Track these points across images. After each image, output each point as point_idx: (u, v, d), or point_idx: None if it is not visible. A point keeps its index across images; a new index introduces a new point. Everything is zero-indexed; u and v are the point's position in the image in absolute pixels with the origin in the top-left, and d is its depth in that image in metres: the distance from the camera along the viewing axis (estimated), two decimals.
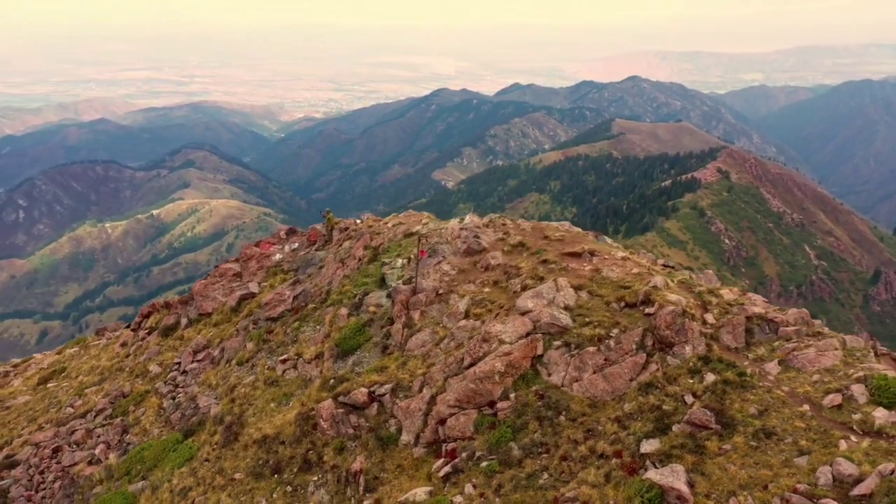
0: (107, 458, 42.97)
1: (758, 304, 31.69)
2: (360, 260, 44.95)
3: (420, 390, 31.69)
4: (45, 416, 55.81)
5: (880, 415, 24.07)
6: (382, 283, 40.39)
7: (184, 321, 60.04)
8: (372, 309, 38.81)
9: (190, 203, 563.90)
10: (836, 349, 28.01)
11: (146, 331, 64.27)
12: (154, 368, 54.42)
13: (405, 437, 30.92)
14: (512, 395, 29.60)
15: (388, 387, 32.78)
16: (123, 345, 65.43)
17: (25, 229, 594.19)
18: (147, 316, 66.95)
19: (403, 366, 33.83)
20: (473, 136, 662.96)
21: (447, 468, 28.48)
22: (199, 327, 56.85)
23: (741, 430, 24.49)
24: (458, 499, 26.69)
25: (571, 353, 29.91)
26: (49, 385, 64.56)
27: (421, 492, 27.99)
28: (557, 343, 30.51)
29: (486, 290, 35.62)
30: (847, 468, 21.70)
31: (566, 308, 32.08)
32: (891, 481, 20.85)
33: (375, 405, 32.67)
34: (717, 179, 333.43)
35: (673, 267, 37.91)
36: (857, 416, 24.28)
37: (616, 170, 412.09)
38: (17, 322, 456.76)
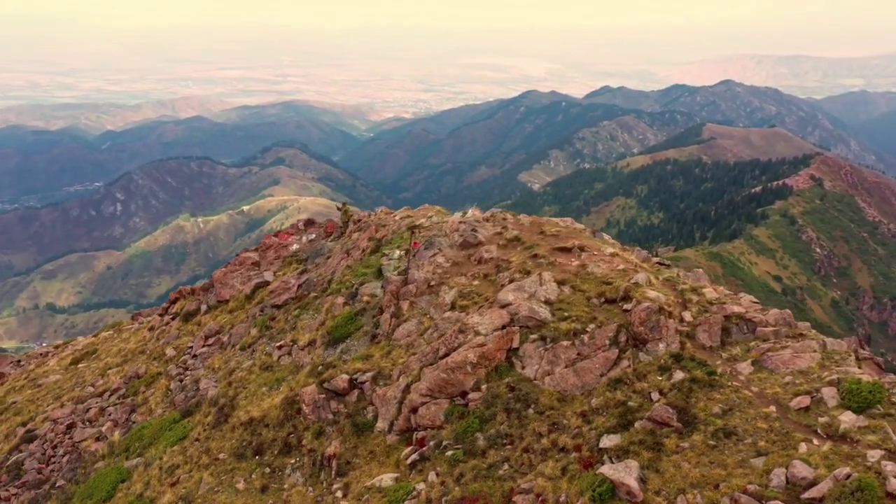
0: (112, 436, 44.55)
1: (741, 304, 31.19)
2: (363, 251, 45.61)
3: (398, 379, 32.14)
4: (69, 394, 58.12)
5: (847, 419, 23.53)
6: (380, 273, 40.92)
7: (203, 307, 61.68)
8: (366, 298, 39.40)
9: (279, 200, 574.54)
10: (815, 351, 27.42)
11: (171, 316, 66.28)
12: (170, 352, 56.13)
13: (380, 425, 31.37)
14: (483, 387, 29.74)
15: (369, 374, 33.29)
16: (151, 329, 67.52)
17: (122, 222, 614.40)
18: (174, 301, 69.07)
19: (388, 355, 34.30)
20: (561, 138, 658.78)
21: (415, 456, 28.83)
22: (216, 313, 58.29)
23: (702, 429, 24.21)
24: (421, 486, 27.01)
25: (546, 347, 29.92)
26: (80, 365, 67.12)
27: (387, 478, 28.42)
28: (534, 336, 30.54)
29: (476, 282, 35.82)
30: (802, 471, 21.31)
31: (547, 302, 32.07)
32: (844, 486, 20.42)
33: (356, 392, 33.22)
34: (810, 187, 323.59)
35: (668, 265, 37.53)
36: (823, 420, 23.77)
37: (705, 175, 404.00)
38: (111, 311, 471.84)
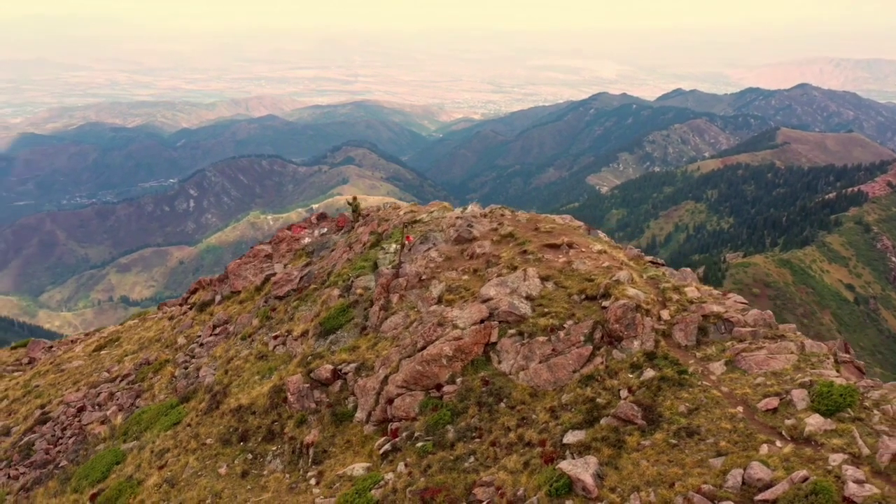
0: (115, 419, 45.75)
1: (723, 304, 30.83)
2: (364, 245, 46.04)
3: (378, 370, 32.50)
4: (86, 379, 59.68)
5: (814, 422, 23.19)
6: (376, 267, 41.25)
7: (217, 298, 62.76)
8: (359, 291, 39.80)
9: (347, 198, 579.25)
10: (791, 353, 27.01)
11: (189, 306, 67.63)
12: (181, 340, 57.32)
13: (359, 415, 31.75)
14: (459, 380, 29.92)
15: (353, 365, 33.70)
16: (170, 318, 68.96)
17: (195, 218, 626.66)
18: (194, 292, 70.46)
19: (373, 346, 34.67)
20: (631, 141, 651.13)
21: (387, 446, 29.15)
22: (228, 304, 59.27)
23: (665, 428, 24.09)
24: (389, 476, 27.31)
25: (523, 342, 29.98)
26: (102, 352, 68.79)
27: (359, 467, 28.79)
28: (512, 331, 30.62)
29: (465, 277, 35.95)
30: (759, 473, 21.11)
31: (528, 298, 32.11)
32: (799, 489, 20.18)
33: (339, 382, 33.67)
34: (887, 193, 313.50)
35: (662, 264, 37.17)
36: (789, 422, 23.46)
37: (778, 180, 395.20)
38: None
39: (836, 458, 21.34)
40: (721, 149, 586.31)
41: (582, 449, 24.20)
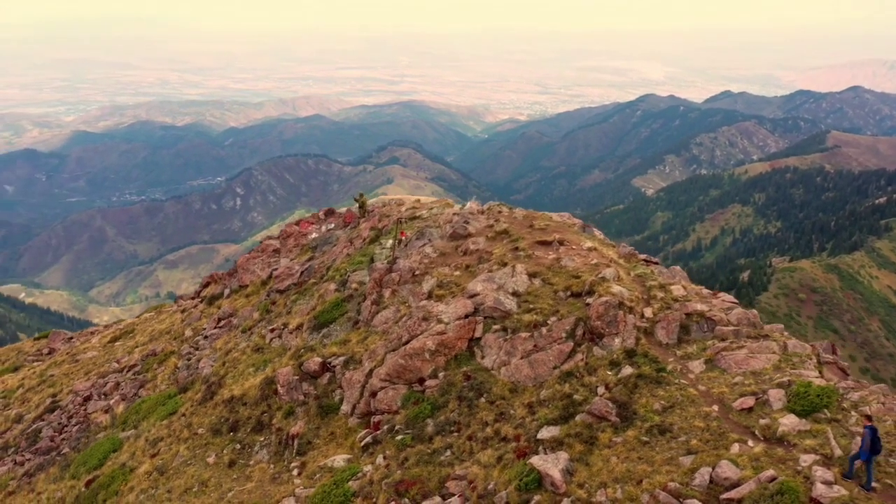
0: (117, 408, 46.50)
1: (708, 303, 30.64)
2: (364, 240, 46.35)
3: (364, 364, 32.74)
4: (98, 369, 60.71)
5: (788, 422, 22.99)
6: (373, 262, 41.61)
7: (226, 292, 63.42)
8: (354, 286, 40.09)
9: (392, 198, 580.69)
10: (773, 353, 26.78)
11: (200, 299, 68.43)
12: (188, 333, 58.03)
13: (345, 407, 32.01)
14: (441, 374, 30.07)
15: (342, 359, 33.98)
16: (183, 311, 69.77)
17: (241, 216, 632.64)
18: (206, 286, 71.31)
19: (363, 340, 34.91)
20: (678, 143, 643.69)
21: (368, 439, 29.38)
22: (235, 298, 59.85)
23: (638, 425, 24.03)
24: (368, 468, 27.53)
25: (506, 338, 30.03)
26: (116, 343, 69.90)
27: (340, 459, 29.05)
28: (496, 327, 30.67)
29: (457, 273, 36.03)
30: (727, 472, 21.00)
31: (515, 294, 32.13)
32: (765, 488, 20.07)
33: (327, 375, 33.95)
34: None
35: (656, 262, 36.94)
36: (763, 422, 23.28)
37: (827, 184, 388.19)
38: None
39: (806, 459, 21.14)
40: (770, 152, 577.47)
41: (555, 444, 24.22)
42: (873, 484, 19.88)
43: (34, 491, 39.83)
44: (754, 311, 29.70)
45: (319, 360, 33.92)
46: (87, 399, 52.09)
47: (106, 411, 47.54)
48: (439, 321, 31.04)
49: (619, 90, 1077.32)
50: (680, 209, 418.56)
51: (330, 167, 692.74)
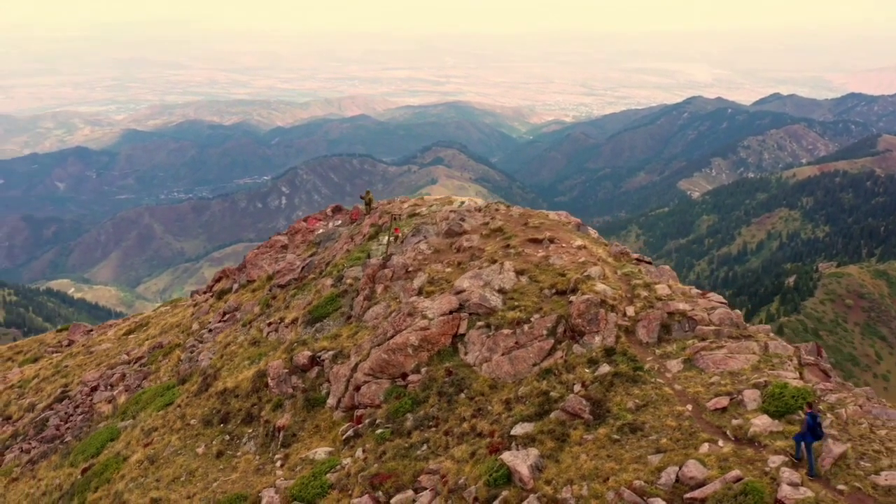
0: (119, 399, 47.27)
1: (692, 303, 30.42)
2: (364, 236, 46.61)
3: (351, 358, 33.00)
4: (109, 360, 61.70)
5: (760, 423, 22.82)
6: (370, 258, 41.85)
7: (235, 286, 64.01)
8: (349, 281, 40.36)
9: (435, 199, 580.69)
10: (753, 353, 26.56)
11: (211, 294, 69.10)
12: (195, 326, 58.69)
13: (330, 401, 32.29)
14: (423, 370, 30.22)
15: (331, 353, 34.25)
16: (195, 305, 70.50)
17: (286, 215, 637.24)
18: (218, 280, 71.99)
19: (354, 335, 35.14)
20: (725, 146, 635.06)
21: (350, 432, 29.62)
22: (242, 292, 60.39)
23: (610, 423, 24.00)
24: (347, 461, 27.81)
25: (489, 335, 30.13)
26: (130, 336, 70.93)
27: (322, 451, 29.35)
28: (480, 323, 30.76)
29: (449, 269, 36.13)
30: (694, 471, 20.94)
31: (501, 291, 32.18)
32: (730, 489, 19.99)
33: (316, 369, 34.26)
34: None
35: (649, 262, 36.69)
36: (736, 422, 23.13)
37: (877, 189, 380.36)
38: None
39: (775, 460, 20.97)
40: (819, 155, 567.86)
41: (527, 441, 24.25)
42: (843, 479, 19.86)
43: (35, 478, 40.70)
44: (737, 312, 29.47)
45: (309, 353, 34.26)
46: (94, 389, 53.04)
47: (109, 402, 48.39)
48: (424, 317, 31.21)
49: (666, 92, 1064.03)
50: (726, 213, 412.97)
51: (374, 167, 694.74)
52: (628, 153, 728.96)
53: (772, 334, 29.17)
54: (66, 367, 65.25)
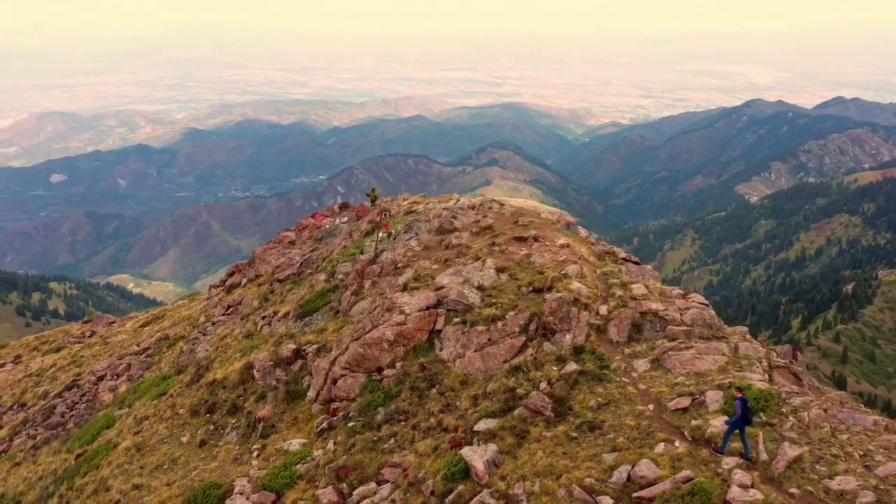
0: (121, 388, 48.20)
1: (666, 303, 30.24)
2: (361, 232, 46.95)
3: (332, 352, 33.38)
4: (121, 351, 62.88)
5: (719, 424, 22.66)
6: (363, 254, 42.16)
7: (243, 281, 64.68)
8: (340, 276, 40.75)
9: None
10: (722, 354, 26.41)
11: (223, 287, 69.89)
12: (202, 319, 59.47)
13: (310, 393, 32.71)
14: (398, 364, 30.49)
15: (315, 346, 34.69)
16: (208, 299, 71.34)
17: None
18: (231, 275, 72.75)
19: (339, 329, 35.51)
20: (785, 150, 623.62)
21: (324, 424, 30.02)
22: (249, 286, 60.97)
23: (571, 421, 24.06)
24: (318, 453, 28.24)
25: (464, 331, 30.32)
26: (146, 328, 72.12)
27: (296, 442, 29.81)
28: (457, 320, 30.92)
29: (435, 266, 36.28)
30: (646, 471, 20.97)
31: (480, 288, 32.31)
32: (678, 489, 20.01)
33: (300, 362, 34.73)
34: None
35: (636, 262, 36.42)
36: (695, 423, 23.05)
37: None
38: None
39: (729, 462, 20.91)
40: (882, 160, 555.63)
41: (489, 437, 24.39)
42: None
43: (36, 462, 41.77)
44: (711, 313, 29.23)
45: (293, 347, 34.76)
46: (101, 379, 54.22)
47: (111, 391, 49.43)
48: (401, 312, 31.48)
49: (725, 95, 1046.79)
50: (784, 217, 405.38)
51: (429, 167, 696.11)
52: (685, 156, 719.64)
53: (747, 336, 28.91)
54: (83, 357, 66.76)
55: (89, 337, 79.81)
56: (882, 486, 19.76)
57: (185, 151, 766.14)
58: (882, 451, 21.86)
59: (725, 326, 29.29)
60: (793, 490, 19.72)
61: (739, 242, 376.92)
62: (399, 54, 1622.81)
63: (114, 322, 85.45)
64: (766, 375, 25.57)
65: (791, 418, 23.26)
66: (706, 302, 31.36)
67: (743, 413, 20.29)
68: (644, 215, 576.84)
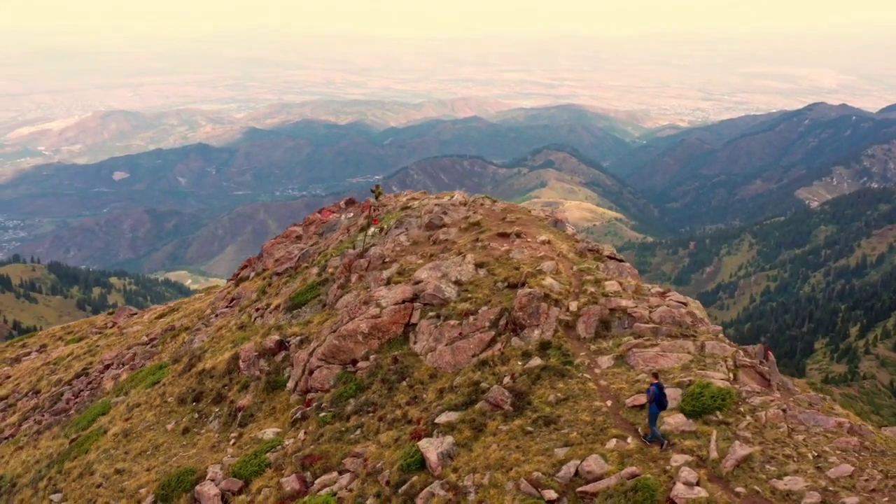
0: (122, 377, 49.11)
1: (638, 300, 30.07)
2: (358, 227, 47.26)
3: (312, 343, 33.79)
4: (132, 341, 63.99)
5: (674, 421, 22.67)
6: (354, 248, 42.46)
7: (251, 274, 65.29)
8: (330, 270, 41.15)
9: (545, 202, 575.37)
10: (688, 353, 26.27)
11: (234, 281, 70.60)
12: (208, 311, 60.26)
13: (290, 384, 33.16)
14: (372, 357, 30.82)
15: (298, 338, 35.14)
16: (219, 291, 72.06)
17: None
18: (244, 268, 73.40)
19: (324, 322, 35.90)
20: (847, 154, 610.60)
21: (298, 414, 30.49)
22: (256, 279, 61.47)
23: (528, 415, 24.20)
24: (289, 442, 28.71)
25: (437, 325, 30.54)
26: (160, 320, 73.26)
27: (270, 432, 30.31)
28: (432, 314, 31.14)
29: (421, 261, 36.46)
30: (593, 466, 21.05)
31: (458, 282, 32.46)
32: (623, 484, 20.10)
33: (283, 353, 35.23)
34: None
35: (621, 260, 36.16)
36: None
37: None
38: None
39: (678, 459, 20.86)
40: None
41: (448, 429, 24.60)
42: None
43: (36, 447, 42.88)
44: (682, 311, 29.03)
45: (277, 338, 35.26)
46: (107, 367, 55.41)
47: (114, 379, 50.49)
48: (378, 305, 31.74)
49: (787, 98, 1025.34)
50: (845, 223, 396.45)
51: (485, 168, 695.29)
52: (745, 160, 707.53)
53: (720, 335, 28.64)
54: (98, 346, 68.22)
55: (111, 327, 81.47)
56: (831, 488, 19.57)
57: (244, 150, 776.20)
58: (838, 452, 21.62)
59: (701, 325, 29.02)
60: (739, 489, 19.59)
61: (798, 248, 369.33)
62: (456, 55, 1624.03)
63: (135, 313, 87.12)
64: (731, 374, 25.36)
65: (748, 417, 23.07)
66: (685, 301, 31.08)
67: (657, 398, 20.51)
68: (701, 219, 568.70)
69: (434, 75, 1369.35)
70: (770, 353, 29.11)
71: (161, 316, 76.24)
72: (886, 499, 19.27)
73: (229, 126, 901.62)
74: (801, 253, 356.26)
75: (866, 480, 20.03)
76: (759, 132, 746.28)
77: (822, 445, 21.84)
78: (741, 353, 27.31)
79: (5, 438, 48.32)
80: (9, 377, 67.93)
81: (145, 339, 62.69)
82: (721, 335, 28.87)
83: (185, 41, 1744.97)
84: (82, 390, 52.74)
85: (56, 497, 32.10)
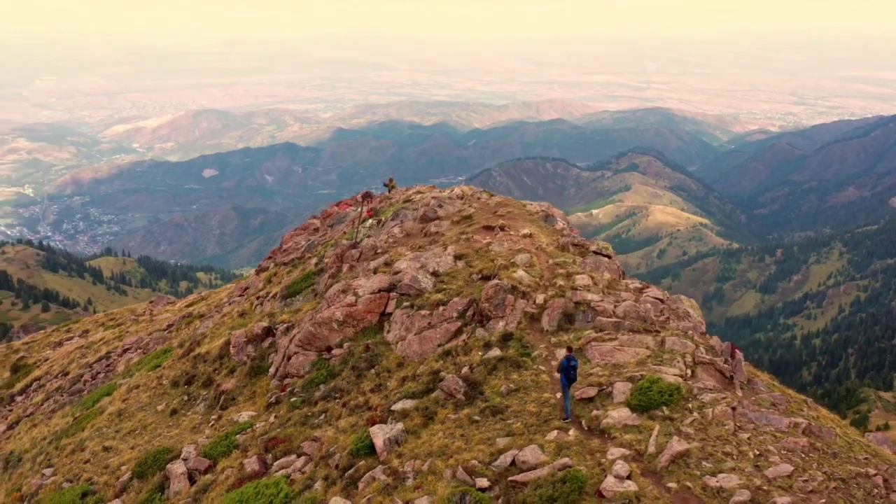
0: (133, 360, 50.42)
1: (605, 294, 29.91)
2: (359, 219, 47.63)
3: (294, 331, 34.42)
4: (157, 327, 65.36)
5: (618, 415, 22.69)
6: (353, 240, 42.92)
7: (271, 265, 65.93)
8: (326, 260, 41.65)
9: (628, 206, 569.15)
10: (646, 348, 26.15)
11: (257, 271, 71.52)
12: (225, 300, 61.20)
13: (272, 370, 33.90)
14: (346, 344, 31.35)
15: (285, 325, 35.84)
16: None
17: None
18: (269, 259, 73.99)
19: (312, 310, 36.50)
20: None
21: (272, 399, 31.23)
22: (274, 270, 62.10)
23: (478, 404, 24.46)
24: (260, 425, 29.46)
25: (409, 314, 30.90)
26: (189, 308, 74.53)
27: (246, 415, 31.07)
28: (406, 304, 31.51)
29: (409, 253, 36.79)
30: (529, 456, 21.28)
31: (435, 273, 32.72)
32: (553, 475, 20.30)
33: (270, 339, 35.94)
34: None
35: (608, 256, 35.75)
36: (594, 413, 23.06)
37: None
38: None
39: (614, 453, 20.91)
40: None
41: (402, 416, 25.02)
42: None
43: (48, 425, 44.49)
44: (647, 306, 28.77)
45: (264, 325, 36.01)
46: (126, 351, 57.06)
47: (127, 362, 51.99)
48: (354, 294, 32.18)
49: (885, 103, 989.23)
50: None
51: (568, 171, 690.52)
52: (837, 166, 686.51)
53: (689, 332, 28.26)
54: (128, 332, 70.17)
55: (146, 315, 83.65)
56: (765, 487, 19.34)
57: (330, 150, 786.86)
58: (783, 452, 21.32)
59: (672, 322, 28.68)
60: (671, 484, 19.51)
61: (891, 258, 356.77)
62: (542, 57, 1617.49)
63: (171, 302, 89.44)
64: (688, 371, 25.09)
65: (695, 414, 22.88)
66: (661, 297, 30.67)
67: (566, 370, 21.22)
68: (790, 226, 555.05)
69: (519, 77, 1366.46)
70: (737, 352, 28.57)
71: (191, 305, 78.00)
72: (823, 500, 18.93)
73: (316, 126, 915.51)
74: (894, 263, 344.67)
75: (805, 481, 19.69)
76: (853, 138, 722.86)
77: (766, 445, 21.49)
78: (702, 350, 26.94)
79: (27, 416, 50.40)
80: (47, 360, 70.62)
81: (167, 325, 64.35)
82: (690, 332, 28.47)
83: (274, 43, 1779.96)
84: (99, 372, 54.51)
85: (48, 471, 33.34)
